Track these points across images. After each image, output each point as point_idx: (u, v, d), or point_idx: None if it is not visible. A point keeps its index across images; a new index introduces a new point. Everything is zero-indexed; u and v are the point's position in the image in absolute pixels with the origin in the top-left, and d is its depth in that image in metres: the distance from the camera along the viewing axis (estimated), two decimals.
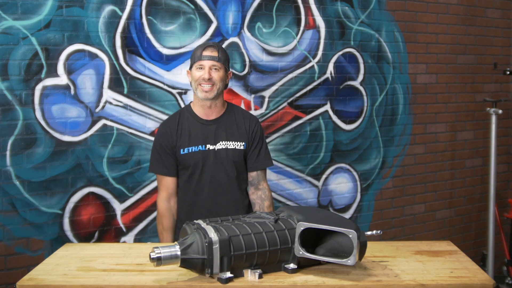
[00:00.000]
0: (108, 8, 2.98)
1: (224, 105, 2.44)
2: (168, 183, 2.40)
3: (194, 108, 2.43)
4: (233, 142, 2.40)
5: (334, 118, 3.77)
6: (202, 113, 2.40)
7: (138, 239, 3.16)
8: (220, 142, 2.38)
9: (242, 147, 2.41)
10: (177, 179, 2.43)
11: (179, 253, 1.64)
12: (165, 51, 3.15)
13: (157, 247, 1.64)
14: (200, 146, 2.37)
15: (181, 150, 2.36)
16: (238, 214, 2.34)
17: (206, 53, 2.31)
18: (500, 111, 3.85)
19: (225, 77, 2.36)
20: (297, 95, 3.62)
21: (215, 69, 2.31)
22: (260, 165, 2.47)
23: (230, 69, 2.48)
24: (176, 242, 1.68)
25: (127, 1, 3.02)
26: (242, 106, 3.40)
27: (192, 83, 2.36)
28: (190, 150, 2.36)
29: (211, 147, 2.37)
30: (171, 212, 2.41)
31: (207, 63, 2.30)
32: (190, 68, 2.38)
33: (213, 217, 2.34)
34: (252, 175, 2.48)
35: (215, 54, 2.31)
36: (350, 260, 1.64)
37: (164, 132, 2.40)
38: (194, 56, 2.36)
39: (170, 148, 2.38)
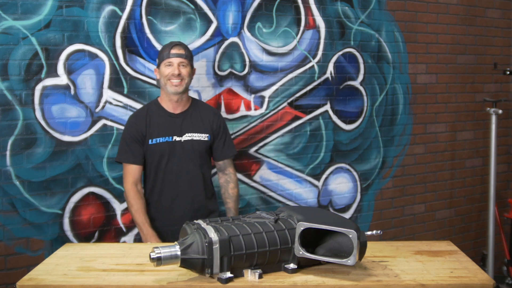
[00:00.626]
0: (108, 8, 2.98)
1: (189, 100, 2.64)
2: (134, 170, 2.55)
3: (161, 103, 2.61)
4: (198, 134, 2.59)
5: (334, 118, 3.77)
6: (170, 107, 2.58)
7: (138, 239, 3.14)
8: (186, 134, 2.56)
9: (206, 139, 2.60)
10: (142, 168, 2.58)
11: (179, 253, 1.64)
12: None
13: (157, 247, 1.64)
14: (167, 138, 2.55)
15: (150, 140, 2.53)
16: (204, 199, 2.61)
17: (174, 51, 2.51)
18: (500, 111, 3.85)
19: (191, 73, 2.57)
20: (297, 95, 3.62)
21: (183, 65, 2.51)
22: (226, 154, 2.71)
23: (194, 67, 2.68)
24: (176, 242, 1.68)
25: (127, 1, 3.02)
26: (242, 106, 3.41)
27: (161, 79, 2.55)
28: (158, 141, 2.54)
29: (178, 139, 2.55)
30: (140, 195, 2.57)
31: (175, 60, 2.50)
32: (158, 66, 2.56)
33: (181, 202, 2.55)
34: (220, 163, 2.73)
35: (182, 52, 2.52)
36: (350, 260, 1.64)
37: (134, 123, 2.57)
38: (162, 55, 2.54)
39: (140, 136, 2.54)
